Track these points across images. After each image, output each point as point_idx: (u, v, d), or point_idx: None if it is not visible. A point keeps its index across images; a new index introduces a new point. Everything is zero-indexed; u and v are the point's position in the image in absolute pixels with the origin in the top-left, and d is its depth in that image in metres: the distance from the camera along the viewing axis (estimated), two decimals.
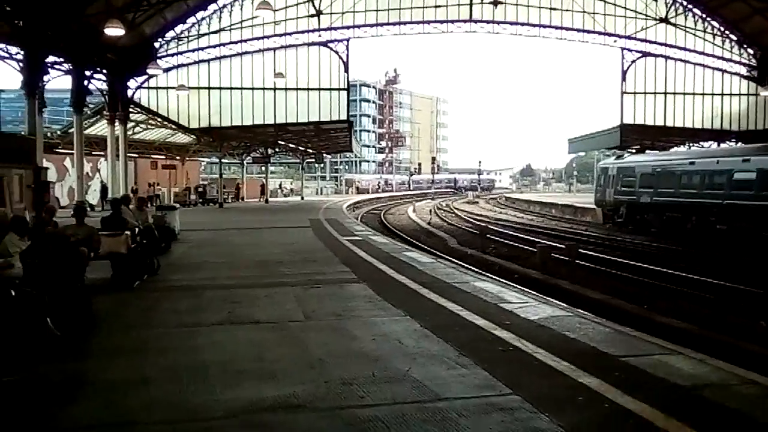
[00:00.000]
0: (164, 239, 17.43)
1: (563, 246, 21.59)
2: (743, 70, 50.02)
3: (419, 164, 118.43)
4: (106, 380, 6.29)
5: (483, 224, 36.23)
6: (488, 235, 27.88)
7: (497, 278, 13.39)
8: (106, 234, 12.15)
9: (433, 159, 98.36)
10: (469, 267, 14.47)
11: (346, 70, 42.68)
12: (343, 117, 43.19)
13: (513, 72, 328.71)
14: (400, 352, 7.11)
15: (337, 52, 42.49)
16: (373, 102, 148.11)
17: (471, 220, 43.07)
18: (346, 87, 42.78)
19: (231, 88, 41.97)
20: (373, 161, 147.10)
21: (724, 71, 50.08)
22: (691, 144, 55.08)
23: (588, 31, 47.03)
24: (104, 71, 35.32)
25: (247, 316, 9.16)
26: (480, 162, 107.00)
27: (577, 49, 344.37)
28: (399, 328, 8.19)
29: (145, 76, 39.02)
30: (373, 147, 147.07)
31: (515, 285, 12.50)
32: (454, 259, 16.05)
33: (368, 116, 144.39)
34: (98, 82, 35.52)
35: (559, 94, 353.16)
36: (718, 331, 11.53)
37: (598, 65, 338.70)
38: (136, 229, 13.60)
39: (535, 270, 19.45)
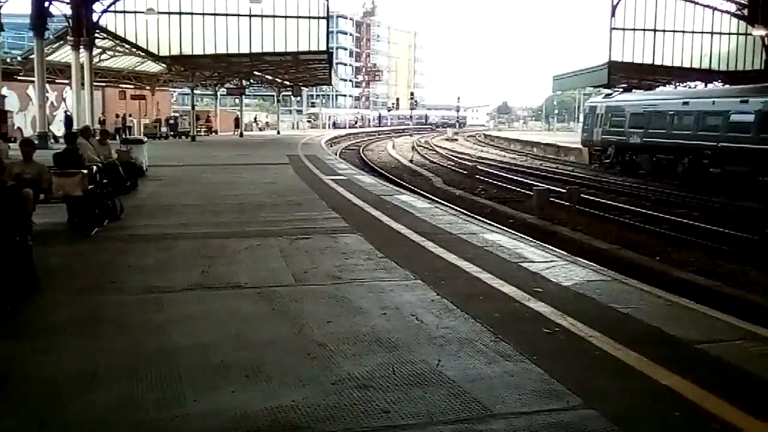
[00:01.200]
0: (130, 177, 15.77)
1: (559, 189, 20.39)
2: (733, 8, 48.54)
3: (397, 99, 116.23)
4: (39, 376, 4.75)
5: (469, 164, 34.98)
6: (476, 176, 26.44)
7: (508, 230, 11.94)
8: (59, 173, 10.53)
9: (412, 94, 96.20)
10: (474, 216, 13.00)
11: None
12: (323, 47, 40.99)
13: (494, 6, 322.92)
14: (422, 334, 5.64)
15: None
16: (350, 34, 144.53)
17: (453, 158, 41.90)
18: (325, 15, 40.48)
19: (204, 14, 39.40)
20: (350, 96, 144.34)
21: (714, 9, 48.74)
22: (677, 84, 53.75)
23: None
24: None
25: (226, 277, 7.64)
26: (459, 98, 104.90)
27: None
28: (413, 298, 6.73)
29: (112, 0, 36.55)
30: (350, 81, 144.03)
31: (530, 238, 11.01)
32: (452, 206, 14.51)
33: (345, 49, 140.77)
34: (61, 5, 33.12)
35: (541, 30, 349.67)
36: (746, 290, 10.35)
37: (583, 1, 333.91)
38: (96, 167, 11.94)
39: (531, 214, 18.23)
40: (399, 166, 35.57)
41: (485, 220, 12.94)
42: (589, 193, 22.39)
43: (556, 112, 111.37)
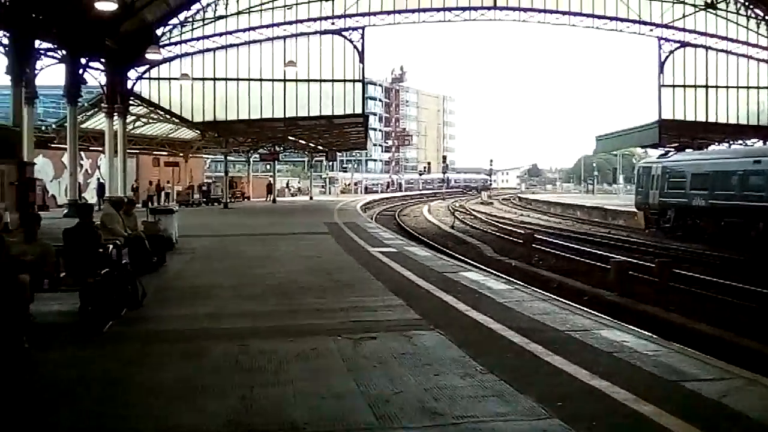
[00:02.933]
0: (157, 252, 13.75)
1: (631, 260, 18.06)
2: None
3: (428, 163, 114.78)
4: None
5: (517, 230, 32.82)
6: (534, 244, 24.11)
7: (626, 325, 9.49)
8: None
9: (444, 158, 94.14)
10: (572, 304, 10.61)
11: (362, 61, 39.01)
12: (358, 110, 39.58)
13: (522, 69, 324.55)
14: None
15: (351, 41, 38.81)
16: (379, 100, 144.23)
17: (495, 223, 39.88)
18: (360, 78, 39.18)
19: (238, 79, 38.42)
20: (380, 160, 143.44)
21: None
22: (731, 142, 51.23)
23: (622, 19, 43.52)
24: (102, 60, 31.91)
25: (275, 411, 5.38)
26: (491, 161, 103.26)
27: (593, 45, 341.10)
28: None
29: (146, 67, 35.58)
30: (380, 145, 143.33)
31: (670, 342, 8.55)
32: (537, 289, 12.11)
33: (375, 114, 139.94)
34: (96, 72, 32.09)
35: (572, 93, 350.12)
36: None
37: (619, 62, 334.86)
38: (114, 244, 9.92)
39: (604, 289, 15.93)
40: (440, 233, 33.64)
41: (590, 311, 10.45)
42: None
43: (596, 173, 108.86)
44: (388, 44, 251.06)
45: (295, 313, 9.35)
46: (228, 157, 48.36)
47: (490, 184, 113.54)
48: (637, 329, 8.65)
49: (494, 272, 14.68)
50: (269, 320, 8.96)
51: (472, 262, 17.07)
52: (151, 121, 43.12)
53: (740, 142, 50.73)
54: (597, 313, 9.54)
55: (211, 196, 50.48)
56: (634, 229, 36.40)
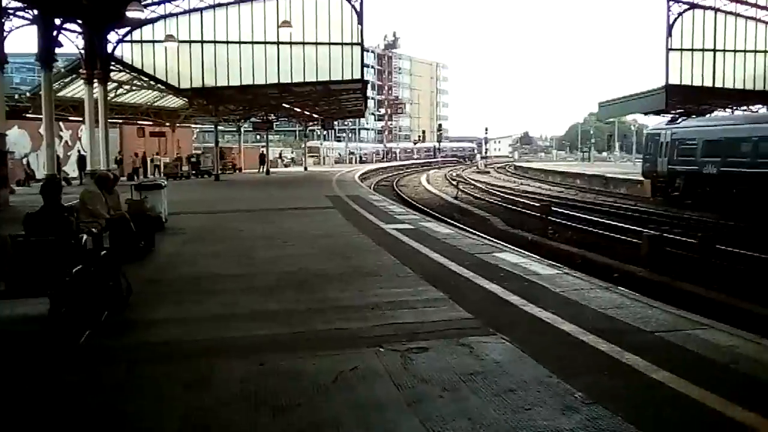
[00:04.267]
0: (144, 234, 12.00)
1: (656, 233, 16.58)
2: None
3: (423, 132, 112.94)
4: None
5: (526, 200, 31.37)
6: (550, 218, 22.53)
7: (738, 330, 7.83)
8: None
9: (440, 126, 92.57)
10: (637, 295, 8.91)
11: (360, 22, 36.73)
12: (357, 76, 37.29)
13: (517, 36, 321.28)
14: None
15: (349, 1, 36.58)
16: (372, 67, 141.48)
17: (497, 193, 38.49)
18: (359, 42, 36.85)
19: (228, 42, 35.96)
20: (372, 129, 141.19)
21: None
22: (735, 108, 49.72)
23: None
24: (78, 21, 29.64)
25: None
26: (486, 129, 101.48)
27: (590, 12, 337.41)
28: None
29: (128, 29, 33.28)
30: (372, 114, 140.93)
31: None
32: (591, 278, 10.39)
33: (367, 82, 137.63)
34: (72, 35, 29.88)
35: (564, 59, 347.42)
36: None
37: (617, 30, 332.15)
38: (90, 232, 8.17)
39: (637, 266, 14.57)
40: (444, 204, 32.18)
41: (665, 305, 8.67)
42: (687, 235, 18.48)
43: (593, 141, 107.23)
44: (381, 10, 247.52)
45: (319, 314, 7.61)
46: (218, 127, 46.29)
47: (483, 154, 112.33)
48: (743, 331, 7.01)
49: (532, 255, 12.93)
50: (290, 324, 7.21)
51: (504, 243, 15.31)
52: (134, 88, 40.82)
53: (744, 108, 49.26)
54: (674, 309, 7.87)
55: (200, 168, 48.47)
56: (639, 198, 35.12)
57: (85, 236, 7.44)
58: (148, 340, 6.74)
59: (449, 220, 20.87)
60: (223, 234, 15.32)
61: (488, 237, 15.92)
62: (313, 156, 76.15)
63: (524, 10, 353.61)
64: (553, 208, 27.33)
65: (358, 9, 36.41)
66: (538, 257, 12.30)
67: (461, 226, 18.88)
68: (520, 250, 13.34)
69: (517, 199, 33.15)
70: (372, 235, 14.30)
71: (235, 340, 6.63)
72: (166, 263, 11.42)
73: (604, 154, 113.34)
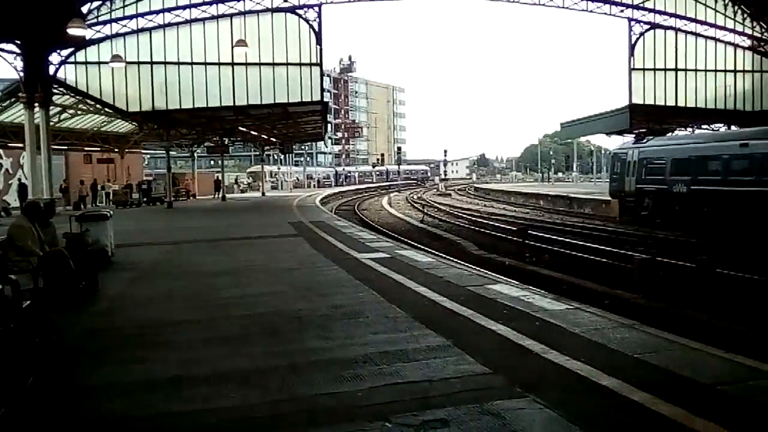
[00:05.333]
0: (85, 273, 10.38)
1: (648, 257, 15.68)
2: (757, 45, 44.93)
3: (381, 155, 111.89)
4: None
5: (495, 222, 30.53)
6: (527, 241, 21.43)
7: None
8: None
9: (399, 149, 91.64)
10: (663, 333, 7.61)
11: (319, 42, 35.42)
12: (316, 97, 35.90)
13: (474, 59, 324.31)
14: None
15: (307, 20, 35.24)
16: (328, 91, 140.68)
17: (463, 215, 37.61)
18: (318, 62, 35.52)
19: (179, 63, 34.28)
20: (330, 152, 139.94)
21: (737, 46, 44.94)
22: (697, 127, 49.65)
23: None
24: (16, 41, 27.69)
25: None
26: (446, 152, 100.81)
27: (548, 36, 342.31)
28: None
29: (71, 49, 31.37)
30: (330, 138, 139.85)
31: None
32: (606, 312, 9.07)
33: (327, 103, 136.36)
34: (10, 57, 27.90)
35: (519, 82, 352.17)
36: None
37: (575, 52, 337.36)
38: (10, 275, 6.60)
39: (629, 291, 13.56)
40: (411, 228, 30.98)
41: (698, 344, 7.37)
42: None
43: (552, 161, 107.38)
44: (337, 33, 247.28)
45: (300, 372, 6.15)
46: (170, 152, 44.33)
47: (443, 176, 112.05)
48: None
49: (530, 287, 11.59)
50: (265, 389, 5.70)
51: (495, 274, 13.99)
52: (79, 112, 38.66)
53: (705, 126, 49.22)
54: (721, 352, 6.64)
55: (152, 195, 46.40)
56: (607, 218, 34.59)
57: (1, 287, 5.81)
58: (85, 417, 5.20)
59: (427, 249, 19.49)
60: (178, 269, 13.67)
61: (474, 267, 14.56)
62: (250, 178, 74.21)
63: (480, 33, 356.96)
64: (507, 228, 26.70)
65: (317, 29, 35.16)
66: (536, 289, 10.96)
67: (441, 254, 17.48)
68: (512, 281, 11.98)
69: (484, 221, 32.37)
70: (346, 267, 12.82)
71: (194, 418, 5.11)
72: (111, 308, 9.75)
73: (559, 174, 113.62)
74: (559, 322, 7.86)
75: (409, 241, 22.54)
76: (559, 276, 16.44)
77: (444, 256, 17.28)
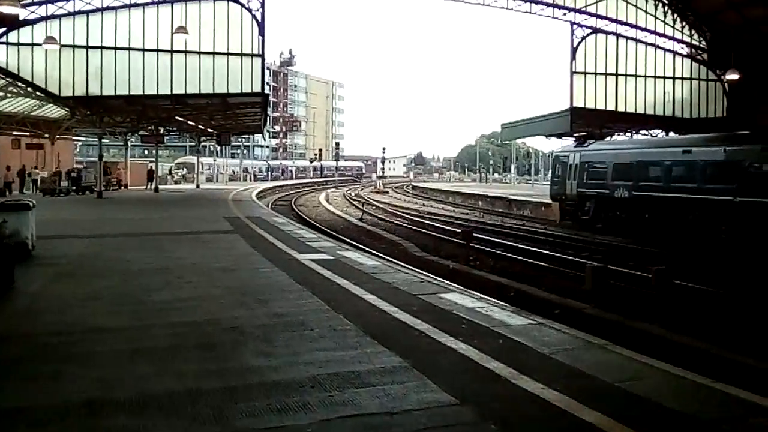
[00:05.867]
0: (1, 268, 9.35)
1: (599, 264, 15.42)
2: (695, 53, 45.85)
3: (320, 150, 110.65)
4: None
5: (436, 223, 30.14)
6: (472, 244, 20.92)
7: None
8: None
9: (337, 145, 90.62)
10: (655, 362, 6.96)
11: (261, 33, 34.58)
12: (257, 89, 34.99)
13: (413, 58, 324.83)
14: None
15: (249, 10, 34.31)
16: (267, 83, 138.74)
17: (402, 215, 37.26)
18: (260, 53, 34.68)
19: (116, 48, 33.10)
20: (267, 146, 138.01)
21: (675, 53, 45.90)
22: (635, 132, 50.25)
23: (536, 2, 41.55)
24: None
25: None
26: (384, 149, 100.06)
27: (491, 37, 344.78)
28: None
29: (3, 29, 29.83)
30: (267, 131, 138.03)
31: None
32: (570, 329, 8.40)
33: (267, 95, 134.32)
34: None
35: (459, 82, 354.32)
36: None
37: (515, 54, 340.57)
38: None
39: (579, 300, 13.07)
40: (350, 226, 30.42)
41: (699, 376, 6.75)
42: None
43: (491, 162, 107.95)
44: (277, 27, 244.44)
45: (237, 397, 5.36)
46: (102, 140, 42.59)
47: (381, 173, 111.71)
48: None
49: (486, 297, 10.97)
50: (197, 421, 4.89)
51: (443, 280, 13.26)
52: (9, 95, 36.83)
53: (644, 132, 49.92)
54: (695, 376, 6.13)
55: (82, 183, 44.44)
56: (546, 221, 34.50)
57: None
58: None
59: (369, 250, 18.78)
60: (105, 266, 12.60)
61: (422, 271, 13.83)
62: (184, 169, 72.23)
63: (423, 33, 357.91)
64: (449, 229, 26.33)
65: (260, 19, 34.22)
66: (493, 299, 10.35)
67: (386, 257, 16.77)
68: (465, 289, 11.30)
69: (424, 221, 32.05)
70: (287, 269, 12.01)
71: None
72: (25, 310, 8.73)
73: (496, 175, 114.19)
74: (525, 340, 7.25)
75: (351, 241, 21.84)
76: (506, 282, 15.94)
77: (389, 258, 16.58)
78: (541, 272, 17.54)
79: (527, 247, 21.85)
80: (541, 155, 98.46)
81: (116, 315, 8.40)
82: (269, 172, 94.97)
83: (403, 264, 15.89)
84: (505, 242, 23.19)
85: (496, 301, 9.85)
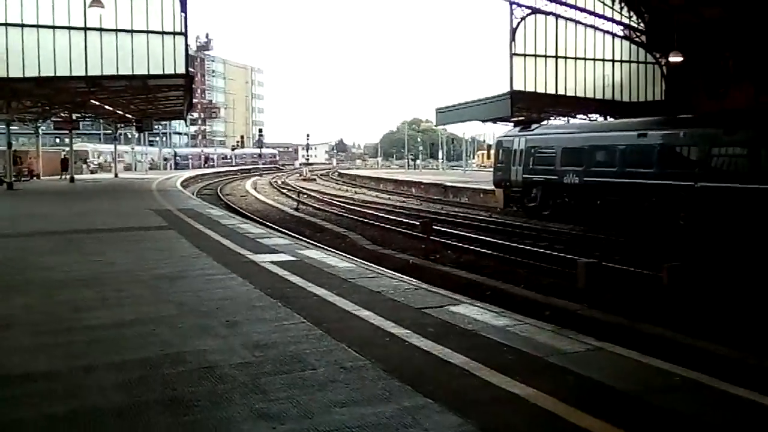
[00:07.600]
0: None
1: (593, 260, 13.94)
2: (633, 35, 45.25)
3: (242, 137, 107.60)
4: None
5: (375, 212, 28.93)
6: (432, 237, 19.17)
7: None
8: None
9: (260, 131, 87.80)
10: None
11: (183, 9, 31.98)
12: (180, 70, 32.30)
13: (333, 43, 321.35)
14: None
15: None
16: None
17: (337, 203, 35.58)
18: (183, 31, 32.08)
19: (23, 26, 30.06)
20: (186, 133, 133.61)
21: (614, 35, 45.11)
22: (574, 116, 49.54)
23: None
24: None
25: None
26: (308, 136, 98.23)
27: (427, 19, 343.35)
28: None
29: None
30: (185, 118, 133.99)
31: None
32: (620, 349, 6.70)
33: (192, 77, 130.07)
34: None
35: (383, 67, 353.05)
36: None
37: (445, 37, 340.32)
38: None
39: (569, 300, 11.69)
40: (287, 217, 28.82)
41: None
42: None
43: (420, 149, 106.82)
44: (193, 10, 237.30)
45: None
46: (10, 127, 39.14)
47: (306, 161, 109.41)
48: None
49: (517, 315, 9.02)
50: None
51: (443, 290, 11.18)
52: None
53: (583, 116, 49.24)
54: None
55: None
56: (488, 208, 33.39)
57: None
58: None
59: (325, 247, 16.73)
60: (18, 276, 10.08)
61: (411, 279, 11.70)
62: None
63: (346, 17, 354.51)
64: (404, 221, 24.86)
65: None
66: (516, 315, 8.42)
67: (363, 262, 14.61)
68: (477, 301, 9.31)
69: (364, 210, 30.51)
70: (246, 275, 9.85)
71: None
72: None
73: (419, 162, 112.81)
74: (600, 377, 5.47)
75: (299, 236, 19.78)
76: (476, 278, 14.48)
77: (357, 258, 14.60)
78: (511, 266, 16.17)
79: (488, 239, 20.42)
80: (467, 141, 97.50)
81: (41, 351, 6.15)
82: (188, 161, 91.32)
83: (391, 272, 13.67)
84: (463, 233, 21.68)
85: (519, 316, 7.93)
